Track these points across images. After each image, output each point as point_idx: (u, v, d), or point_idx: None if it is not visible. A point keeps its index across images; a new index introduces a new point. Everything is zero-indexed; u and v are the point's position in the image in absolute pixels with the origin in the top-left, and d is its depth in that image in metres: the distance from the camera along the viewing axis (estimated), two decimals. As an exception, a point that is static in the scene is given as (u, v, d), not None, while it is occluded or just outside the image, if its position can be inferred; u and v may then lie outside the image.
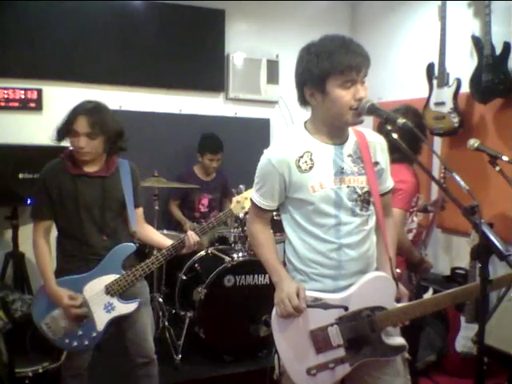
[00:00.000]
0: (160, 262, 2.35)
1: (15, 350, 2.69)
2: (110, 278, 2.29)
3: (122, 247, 2.33)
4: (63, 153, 2.33)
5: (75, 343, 2.28)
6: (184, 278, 3.54)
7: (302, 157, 1.68)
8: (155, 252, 2.70)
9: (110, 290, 2.28)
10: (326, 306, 1.63)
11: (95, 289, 2.27)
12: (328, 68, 1.56)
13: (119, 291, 2.29)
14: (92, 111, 2.24)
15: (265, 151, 1.75)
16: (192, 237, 2.39)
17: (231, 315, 3.23)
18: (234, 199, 2.53)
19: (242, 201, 2.51)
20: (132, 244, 2.36)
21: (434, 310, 1.69)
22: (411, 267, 2.53)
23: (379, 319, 1.66)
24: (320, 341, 1.66)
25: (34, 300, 2.33)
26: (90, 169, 2.30)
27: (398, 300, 1.71)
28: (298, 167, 1.67)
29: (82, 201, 2.26)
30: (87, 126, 2.21)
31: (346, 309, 1.65)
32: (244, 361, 3.26)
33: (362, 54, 1.59)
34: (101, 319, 2.28)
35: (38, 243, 2.28)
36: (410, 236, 2.54)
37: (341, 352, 1.66)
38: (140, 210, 2.48)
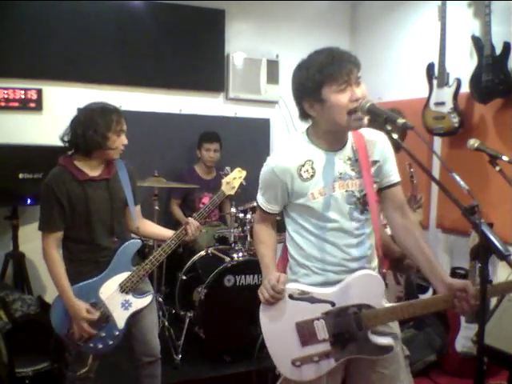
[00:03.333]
0: (167, 252, 2.40)
1: (15, 350, 2.69)
2: (122, 276, 2.33)
3: (130, 244, 2.38)
4: (62, 161, 2.31)
5: (100, 345, 2.32)
6: (184, 277, 3.54)
7: (303, 165, 1.72)
8: (155, 248, 2.73)
9: (124, 288, 2.33)
10: (312, 299, 1.66)
11: (110, 289, 2.31)
12: (319, 78, 1.60)
13: (133, 287, 2.34)
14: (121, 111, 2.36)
15: (267, 159, 1.79)
16: (193, 223, 2.44)
17: (231, 315, 3.23)
18: (224, 181, 2.68)
19: (231, 181, 2.66)
20: (138, 240, 2.42)
21: (424, 313, 1.69)
22: (394, 265, 2.51)
23: (366, 317, 1.67)
24: (305, 334, 1.68)
25: (52, 310, 2.31)
26: (94, 173, 2.32)
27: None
28: (300, 176, 1.72)
29: (93, 205, 2.28)
30: (125, 124, 2.34)
31: (332, 304, 1.66)
32: (244, 361, 3.26)
33: (349, 60, 1.62)
34: (120, 317, 2.33)
35: (52, 255, 2.25)
36: (389, 231, 2.52)
37: (326, 346, 1.68)
38: (138, 207, 2.53)
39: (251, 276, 3.27)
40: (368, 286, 1.68)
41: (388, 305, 1.69)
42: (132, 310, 2.35)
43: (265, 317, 1.74)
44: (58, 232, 2.26)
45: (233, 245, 3.57)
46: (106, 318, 2.30)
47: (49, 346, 2.81)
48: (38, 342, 2.78)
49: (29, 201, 3.44)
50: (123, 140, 2.32)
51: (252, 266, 3.28)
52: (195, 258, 3.58)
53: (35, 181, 3.39)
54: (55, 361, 2.84)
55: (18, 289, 3.45)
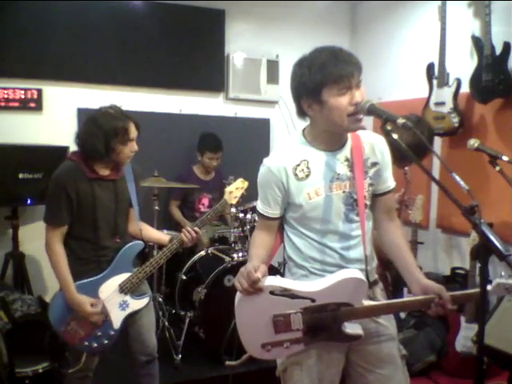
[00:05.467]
0: (167, 256, 2.42)
1: (15, 350, 2.69)
2: (122, 277, 2.35)
3: (132, 246, 2.39)
4: (73, 156, 2.31)
5: (95, 344, 2.32)
6: (184, 277, 3.54)
7: (298, 165, 1.71)
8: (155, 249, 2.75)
9: (123, 289, 2.34)
10: (293, 296, 1.65)
11: (110, 289, 2.32)
12: (321, 79, 1.59)
13: (132, 288, 2.35)
14: (132, 116, 2.32)
15: (264, 160, 1.78)
16: (189, 232, 2.44)
17: (231, 315, 3.20)
18: (227, 190, 2.70)
19: (234, 191, 2.69)
20: (141, 242, 2.43)
21: (400, 312, 1.73)
22: (383, 265, 2.53)
23: (344, 314, 1.66)
24: (280, 324, 1.68)
25: (51, 306, 2.33)
26: (103, 172, 2.32)
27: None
28: (295, 175, 1.71)
29: (99, 204, 2.28)
30: (135, 130, 2.32)
31: (312, 301, 1.66)
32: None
33: (352, 62, 1.61)
34: (117, 318, 2.34)
35: (56, 249, 2.24)
36: None
37: (298, 334, 1.69)
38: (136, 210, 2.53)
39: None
40: (351, 288, 1.67)
41: (367, 303, 1.69)
42: (129, 310, 2.36)
43: (241, 305, 1.72)
44: (63, 226, 2.26)
45: (233, 245, 3.57)
46: (103, 317, 2.30)
47: (49, 346, 2.81)
48: (37, 342, 2.78)
49: (29, 201, 3.45)
50: (132, 147, 2.31)
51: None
52: (195, 257, 3.58)
53: (35, 181, 3.40)
54: (53, 360, 2.84)
55: (17, 289, 3.45)
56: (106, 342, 2.33)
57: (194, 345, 3.36)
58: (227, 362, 3.08)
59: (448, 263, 3.78)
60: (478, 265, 1.46)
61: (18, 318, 2.87)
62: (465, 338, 3.10)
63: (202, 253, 3.59)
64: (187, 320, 3.34)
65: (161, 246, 2.49)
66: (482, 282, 1.37)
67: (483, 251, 1.37)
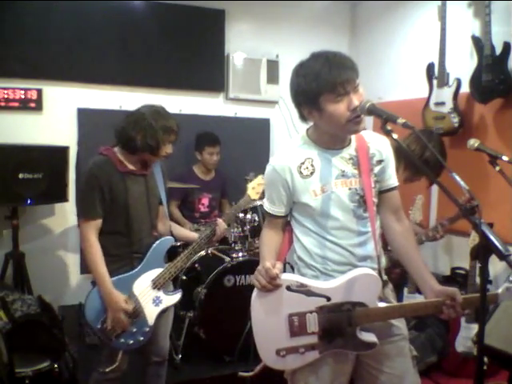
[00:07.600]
0: (197, 251, 2.51)
1: (15, 350, 2.69)
2: (155, 273, 2.36)
3: (164, 241, 2.41)
4: (104, 151, 2.33)
5: (131, 341, 2.32)
6: (184, 278, 3.54)
7: (303, 163, 1.74)
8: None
9: (156, 284, 2.36)
10: (308, 293, 1.66)
11: (143, 285, 2.33)
12: (316, 89, 1.60)
13: (164, 284, 2.37)
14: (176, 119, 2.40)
15: (270, 160, 1.81)
16: (221, 224, 2.56)
17: (231, 315, 3.23)
18: (249, 186, 2.73)
19: (256, 186, 2.71)
20: (171, 237, 2.46)
21: (413, 315, 1.72)
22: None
23: (358, 315, 1.67)
24: (295, 325, 1.68)
25: (87, 303, 2.30)
26: (133, 167, 2.35)
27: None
28: (300, 173, 1.73)
29: (131, 198, 2.30)
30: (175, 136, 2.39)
31: (328, 299, 1.66)
32: (244, 361, 3.26)
33: (347, 67, 1.61)
34: (151, 313, 2.35)
35: (93, 243, 2.24)
36: None
37: (313, 339, 1.69)
38: (165, 208, 2.58)
39: (251, 276, 3.26)
40: (366, 285, 1.69)
41: (381, 305, 1.70)
42: (162, 306, 2.38)
43: (257, 303, 1.73)
44: (98, 219, 2.27)
45: (233, 245, 3.57)
46: (137, 314, 2.31)
47: (49, 346, 2.81)
48: (38, 341, 2.78)
49: (29, 201, 3.45)
50: (168, 148, 2.36)
51: (252, 265, 3.24)
52: (195, 257, 3.57)
53: (35, 181, 3.40)
54: (55, 360, 2.83)
55: (17, 289, 3.45)
56: (141, 338, 2.33)
57: (194, 345, 3.36)
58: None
59: (448, 263, 3.78)
60: (478, 265, 1.47)
61: (17, 318, 2.87)
62: (465, 338, 3.10)
63: (202, 253, 3.59)
64: (187, 320, 3.33)
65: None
66: (482, 281, 1.37)
67: (483, 251, 1.37)
